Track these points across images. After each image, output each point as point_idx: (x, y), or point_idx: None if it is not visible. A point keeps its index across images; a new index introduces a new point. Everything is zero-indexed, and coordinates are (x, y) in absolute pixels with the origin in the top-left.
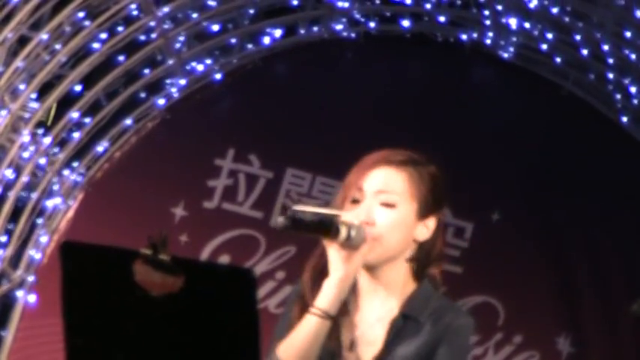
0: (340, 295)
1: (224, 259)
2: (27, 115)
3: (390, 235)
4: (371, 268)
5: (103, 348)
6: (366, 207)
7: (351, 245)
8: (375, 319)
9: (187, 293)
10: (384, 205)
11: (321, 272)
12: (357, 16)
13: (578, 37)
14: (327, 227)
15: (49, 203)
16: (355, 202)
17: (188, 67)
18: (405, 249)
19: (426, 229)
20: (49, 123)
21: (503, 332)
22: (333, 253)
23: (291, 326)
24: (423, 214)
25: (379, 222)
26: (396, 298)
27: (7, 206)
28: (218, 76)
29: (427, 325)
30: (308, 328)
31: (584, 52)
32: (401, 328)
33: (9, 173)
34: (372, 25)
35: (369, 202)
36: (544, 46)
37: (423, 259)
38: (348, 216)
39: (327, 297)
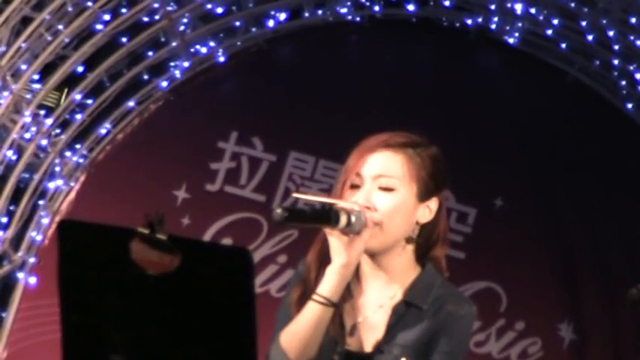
0: (343, 282)
1: (226, 242)
2: (29, 96)
3: (391, 220)
4: (373, 255)
5: (99, 325)
6: (364, 192)
7: (351, 231)
8: (377, 304)
9: (184, 272)
10: (382, 190)
11: (326, 256)
12: None
13: (583, 23)
14: (326, 216)
15: (51, 185)
16: (354, 187)
17: (192, 49)
18: (407, 232)
19: (428, 210)
20: (59, 106)
21: (506, 318)
22: (334, 240)
23: (290, 310)
24: (423, 196)
25: (379, 207)
26: (398, 283)
27: (9, 187)
28: (222, 58)
29: (429, 312)
30: (310, 316)
31: (590, 38)
32: (403, 314)
33: (10, 154)
34: (377, 8)
35: (367, 187)
36: (549, 32)
37: (425, 240)
38: (347, 202)
39: (329, 284)
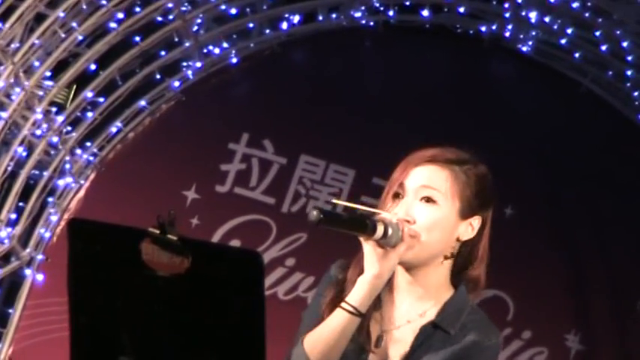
0: (373, 292)
1: (235, 243)
2: (41, 93)
3: (430, 234)
4: (409, 268)
5: (107, 327)
6: (405, 204)
7: (387, 243)
8: (405, 319)
9: (194, 274)
10: (424, 201)
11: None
12: (377, 4)
13: (598, 34)
14: (363, 224)
15: (61, 182)
16: (397, 197)
17: (205, 50)
18: (445, 248)
19: (470, 228)
20: (68, 105)
21: (513, 327)
22: (369, 250)
23: (319, 311)
24: (466, 213)
25: (419, 219)
26: (430, 301)
27: (18, 184)
28: (234, 60)
29: (455, 338)
30: (336, 323)
31: (604, 48)
32: (429, 336)
33: (21, 150)
34: (391, 14)
35: (409, 199)
36: (563, 41)
37: (463, 258)
38: (387, 214)
39: (358, 294)
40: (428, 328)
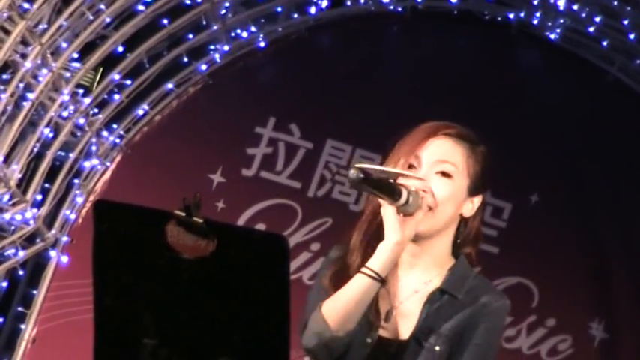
0: (393, 259)
1: (260, 227)
2: (68, 75)
3: (444, 206)
4: (417, 239)
5: (132, 309)
6: (422, 175)
7: (405, 211)
8: (412, 289)
9: (219, 257)
10: (440, 174)
11: (372, 237)
12: None
13: (625, 22)
14: (392, 190)
15: (87, 164)
16: (411, 167)
17: (232, 34)
18: (452, 222)
19: (472, 205)
20: (94, 87)
21: (537, 314)
22: (391, 216)
23: (321, 290)
24: (473, 191)
25: (436, 192)
26: (433, 271)
27: (44, 165)
28: (262, 44)
29: (464, 302)
30: (357, 288)
31: (631, 37)
32: (438, 302)
33: (47, 132)
34: None
35: (425, 170)
36: (591, 29)
37: (462, 235)
38: (412, 180)
39: (380, 259)
40: (435, 295)
